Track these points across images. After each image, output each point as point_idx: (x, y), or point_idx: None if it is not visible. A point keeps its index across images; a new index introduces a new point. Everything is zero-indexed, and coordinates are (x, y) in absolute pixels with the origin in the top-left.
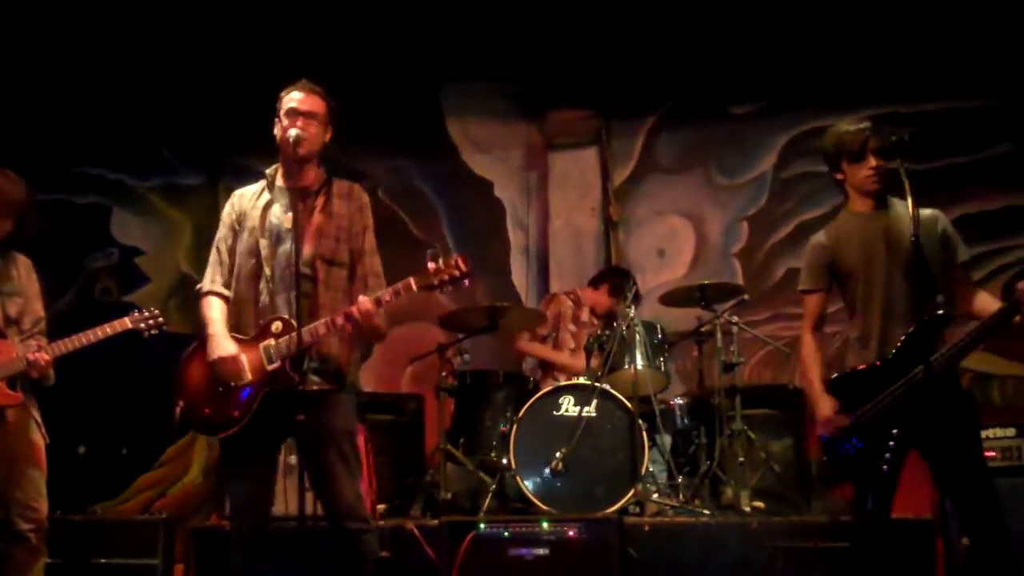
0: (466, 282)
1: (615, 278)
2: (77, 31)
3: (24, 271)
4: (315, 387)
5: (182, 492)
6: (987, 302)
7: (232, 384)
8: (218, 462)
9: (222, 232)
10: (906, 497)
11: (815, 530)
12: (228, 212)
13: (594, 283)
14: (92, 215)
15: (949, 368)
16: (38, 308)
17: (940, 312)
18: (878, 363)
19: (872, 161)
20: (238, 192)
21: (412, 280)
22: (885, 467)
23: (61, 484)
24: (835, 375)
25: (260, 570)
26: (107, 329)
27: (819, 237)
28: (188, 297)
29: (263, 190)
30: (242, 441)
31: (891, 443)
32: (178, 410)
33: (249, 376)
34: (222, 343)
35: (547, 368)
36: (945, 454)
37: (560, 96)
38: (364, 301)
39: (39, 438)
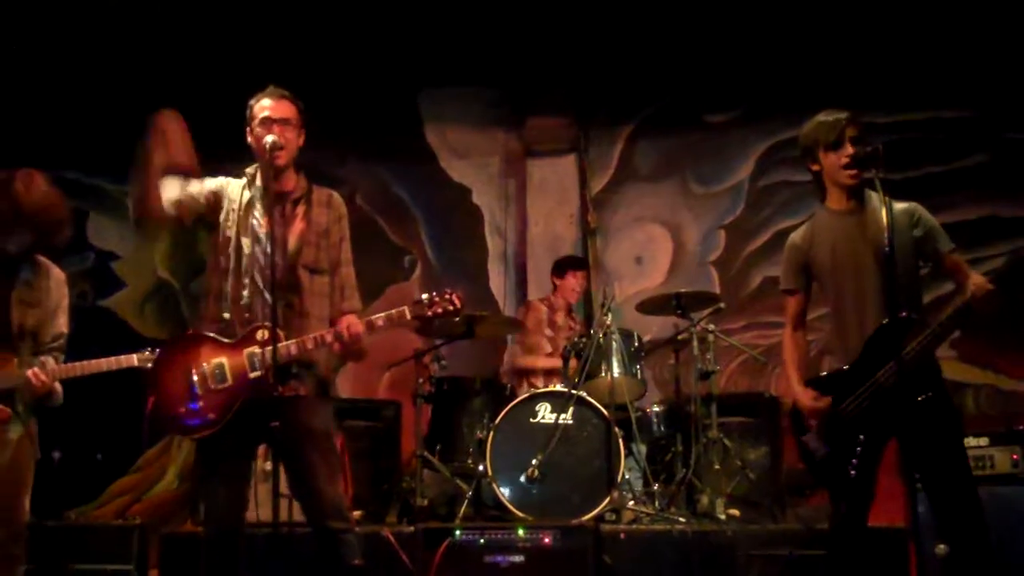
0: (456, 318)
1: (567, 260)
2: (55, 35)
3: (53, 283)
4: (294, 392)
5: (157, 498)
6: (982, 285)
7: (211, 386)
8: (194, 465)
9: (206, 182)
10: (879, 506)
11: (790, 538)
12: (215, 180)
13: (570, 269)
14: None
15: (926, 370)
16: (61, 323)
17: (904, 315)
18: (845, 368)
19: (849, 148)
20: (229, 180)
21: (406, 309)
22: (852, 472)
23: (36, 489)
24: (808, 379)
25: (232, 574)
26: (112, 363)
27: (794, 237)
28: (165, 302)
29: (244, 188)
30: (218, 444)
31: (858, 448)
32: (150, 407)
33: (230, 380)
34: None
35: (523, 374)
36: (927, 459)
37: (538, 103)
38: (355, 323)
39: (25, 454)
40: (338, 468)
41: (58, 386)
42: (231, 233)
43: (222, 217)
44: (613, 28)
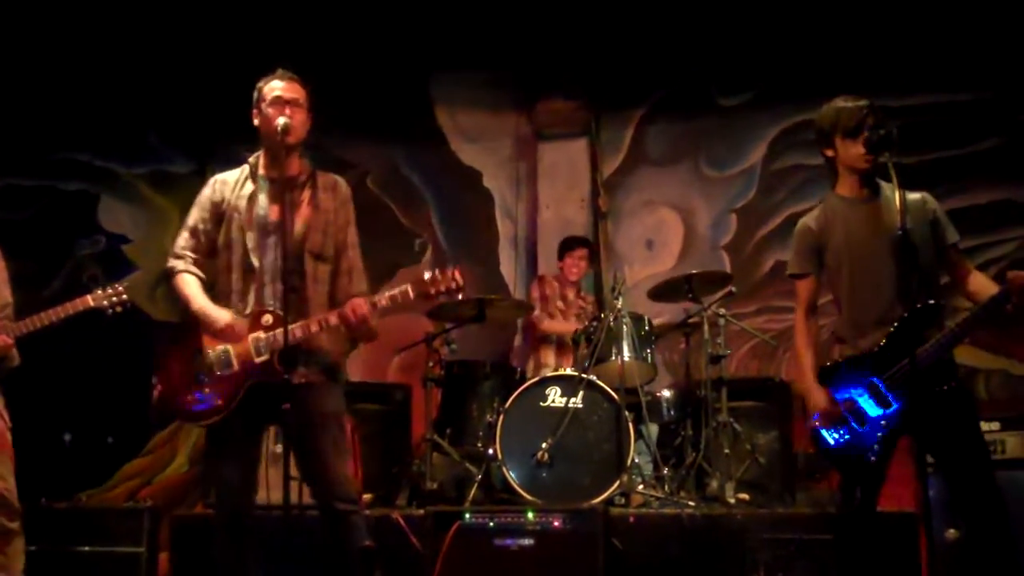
0: (459, 295)
1: (569, 240)
2: (63, 16)
3: None
4: (304, 379)
5: (168, 480)
6: (983, 284)
7: (217, 372)
8: (203, 448)
9: (200, 215)
10: (890, 491)
11: (800, 522)
12: (208, 196)
13: (566, 251)
14: (79, 202)
15: (941, 359)
16: (5, 293)
17: (931, 303)
18: (861, 355)
19: (864, 139)
20: (219, 178)
21: (409, 288)
22: (872, 459)
23: (46, 472)
24: (824, 364)
25: (242, 556)
26: (68, 308)
27: (807, 220)
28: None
29: (246, 179)
30: (227, 428)
31: (878, 435)
32: (156, 394)
33: (236, 366)
34: (215, 313)
35: (544, 341)
36: (946, 444)
37: (550, 86)
38: (360, 304)
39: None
40: (347, 451)
41: (13, 348)
42: (237, 231)
43: (225, 218)
44: (625, 11)
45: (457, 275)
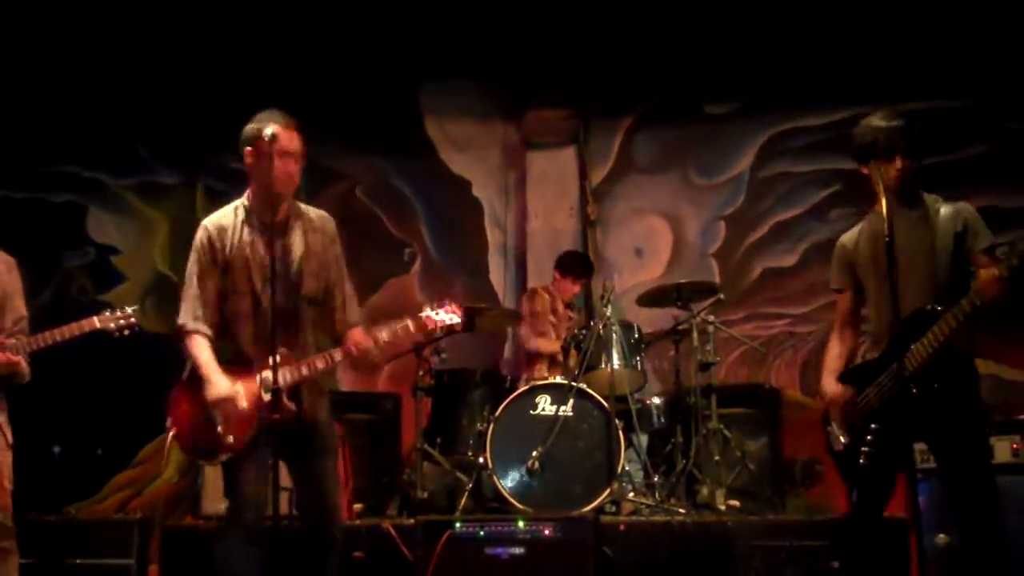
0: (458, 329)
1: (575, 265)
2: (52, 27)
3: (4, 267)
4: (311, 418)
5: (158, 492)
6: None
7: (229, 413)
8: (224, 470)
9: (200, 266)
10: None
11: (790, 529)
12: (205, 245)
13: (572, 275)
14: (68, 214)
15: (940, 365)
16: (19, 306)
17: (927, 308)
18: (872, 359)
19: (899, 162)
20: (212, 224)
21: (410, 323)
22: (863, 460)
23: (36, 484)
24: (846, 369)
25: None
26: (74, 329)
27: (843, 238)
28: (165, 297)
29: (243, 223)
30: (241, 464)
31: (868, 437)
32: (171, 435)
33: (246, 404)
34: (218, 382)
35: (532, 358)
36: (943, 448)
37: (538, 95)
38: (363, 339)
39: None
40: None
41: (24, 364)
42: (243, 280)
43: (229, 266)
44: (612, 20)
45: (455, 309)
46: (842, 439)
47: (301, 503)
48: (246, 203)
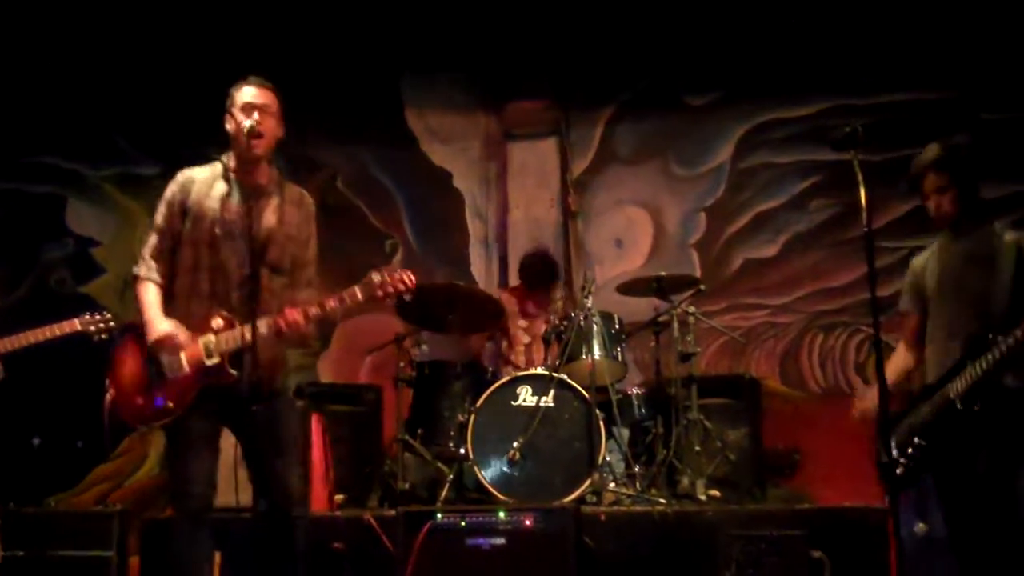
0: (409, 297)
1: (534, 278)
2: (30, 18)
3: None
4: (251, 393)
5: (138, 484)
6: None
7: (168, 375)
8: (165, 449)
9: (166, 213)
10: (858, 485)
11: (770, 518)
12: (175, 193)
13: (528, 286)
14: (46, 205)
15: (989, 389)
16: None
17: (977, 335)
18: (923, 386)
19: (931, 200)
20: (187, 174)
21: (357, 290)
22: (899, 471)
23: (15, 476)
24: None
25: (200, 553)
26: (55, 330)
27: (914, 261)
28: None
29: (217, 179)
30: (183, 428)
31: (910, 451)
32: (109, 398)
33: (187, 368)
34: (158, 324)
35: (507, 356)
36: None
37: (518, 87)
38: (290, 312)
39: None
40: (299, 458)
41: None
42: (206, 231)
43: (192, 214)
44: (593, 11)
45: (408, 276)
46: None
47: (258, 484)
48: (226, 159)
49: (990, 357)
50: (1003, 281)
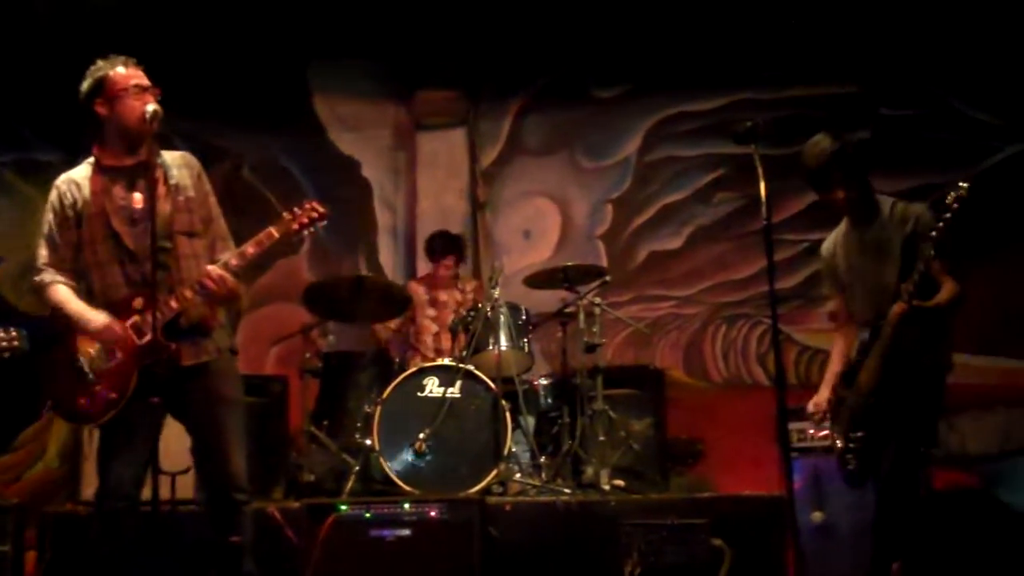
0: (322, 224)
1: (436, 245)
2: None
3: None
4: (192, 361)
5: (37, 477)
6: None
7: (102, 367)
8: (99, 442)
9: (53, 221)
10: (758, 474)
11: (672, 507)
12: (56, 199)
13: (430, 255)
14: None
15: (895, 372)
16: None
17: (876, 325)
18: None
19: (838, 192)
20: (64, 179)
21: (272, 229)
22: (850, 467)
23: None
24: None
25: (122, 552)
26: None
27: (822, 247)
28: None
29: (93, 176)
30: (123, 421)
31: (852, 445)
32: (49, 407)
33: (120, 355)
34: (92, 316)
35: (415, 346)
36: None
37: (428, 76)
38: (213, 269)
39: None
40: (244, 438)
41: None
42: (102, 226)
43: (84, 218)
44: (503, 1)
45: (317, 204)
46: (839, 443)
47: (200, 468)
48: (93, 157)
49: (879, 344)
50: (893, 268)
